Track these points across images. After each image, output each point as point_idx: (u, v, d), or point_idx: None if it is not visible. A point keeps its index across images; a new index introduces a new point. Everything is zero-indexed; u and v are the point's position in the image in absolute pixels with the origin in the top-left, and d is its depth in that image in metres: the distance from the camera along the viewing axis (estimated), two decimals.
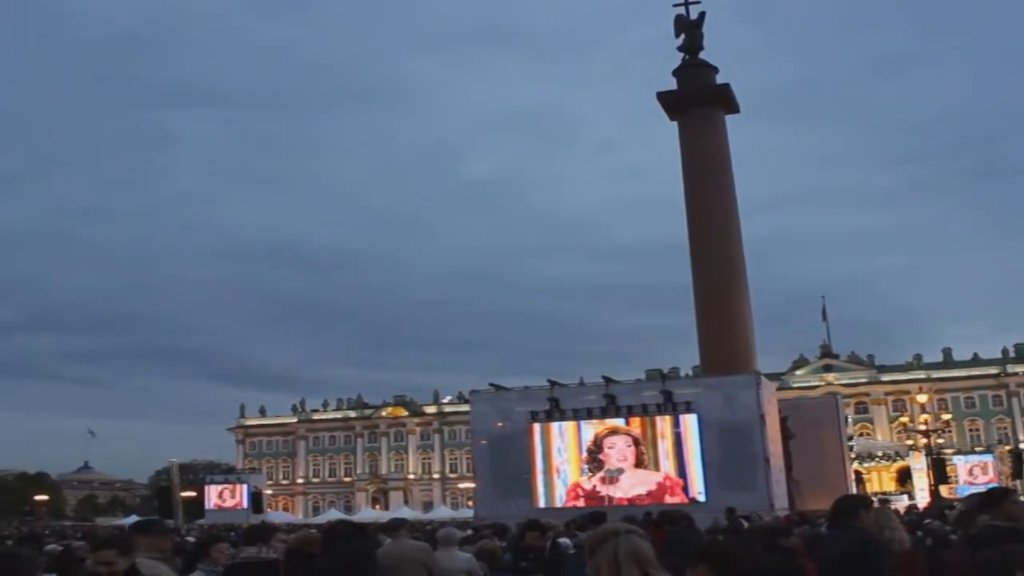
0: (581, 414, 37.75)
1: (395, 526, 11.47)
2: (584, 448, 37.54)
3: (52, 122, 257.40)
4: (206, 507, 79.46)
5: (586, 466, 37.46)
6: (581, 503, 36.02)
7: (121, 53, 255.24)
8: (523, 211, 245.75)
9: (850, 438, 62.49)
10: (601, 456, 37.27)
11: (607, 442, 37.21)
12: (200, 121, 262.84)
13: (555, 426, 37.94)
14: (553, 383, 39.54)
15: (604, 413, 37.41)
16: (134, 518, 66.33)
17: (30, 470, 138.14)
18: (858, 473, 67.07)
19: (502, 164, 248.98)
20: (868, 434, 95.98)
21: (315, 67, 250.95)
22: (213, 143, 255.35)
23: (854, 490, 46.71)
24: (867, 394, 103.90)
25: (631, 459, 36.87)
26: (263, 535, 10.13)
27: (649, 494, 35.96)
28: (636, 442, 36.88)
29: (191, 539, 23.05)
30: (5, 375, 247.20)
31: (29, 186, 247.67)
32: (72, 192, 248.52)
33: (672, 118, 45.91)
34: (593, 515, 16.41)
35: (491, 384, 41.40)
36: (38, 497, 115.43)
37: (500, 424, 38.88)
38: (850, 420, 79.49)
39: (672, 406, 36.36)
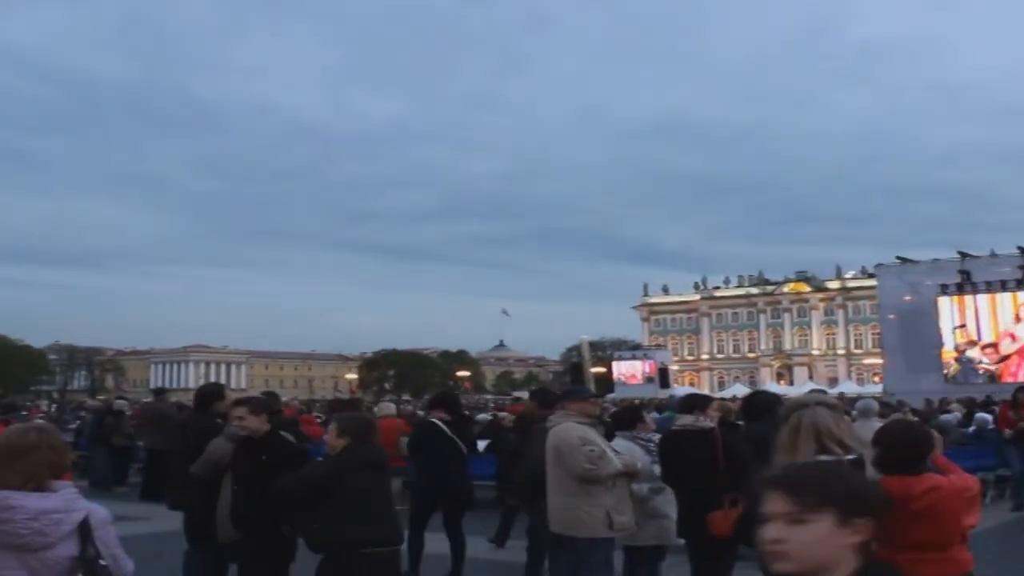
0: (995, 286, 36.50)
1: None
2: (1000, 322, 36.40)
3: (446, 13, 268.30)
4: (615, 382, 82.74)
5: (1002, 340, 36.37)
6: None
7: None
8: (918, 74, 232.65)
9: None
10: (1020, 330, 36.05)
11: None
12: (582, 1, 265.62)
13: (967, 299, 36.93)
14: (964, 254, 38.32)
15: (1020, 285, 35.99)
16: None
17: (451, 348, 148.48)
18: None
19: (895, 24, 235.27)
20: None
21: None
22: (595, 24, 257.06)
23: None
24: None
25: None
26: (700, 404, 10.77)
27: None
28: None
29: (609, 408, 24.75)
30: (425, 260, 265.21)
31: (427, 78, 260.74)
32: (466, 80, 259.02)
33: None
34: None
35: (897, 257, 40.66)
36: (460, 373, 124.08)
37: (908, 298, 38.31)
38: None
39: None
